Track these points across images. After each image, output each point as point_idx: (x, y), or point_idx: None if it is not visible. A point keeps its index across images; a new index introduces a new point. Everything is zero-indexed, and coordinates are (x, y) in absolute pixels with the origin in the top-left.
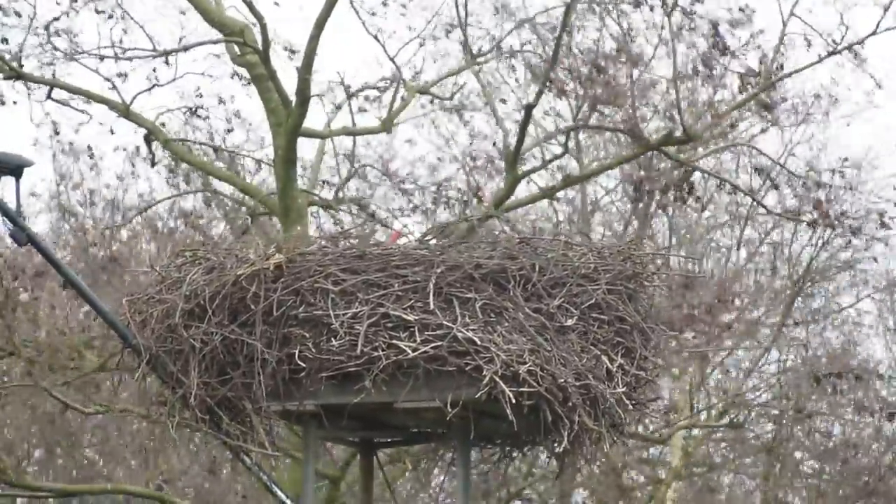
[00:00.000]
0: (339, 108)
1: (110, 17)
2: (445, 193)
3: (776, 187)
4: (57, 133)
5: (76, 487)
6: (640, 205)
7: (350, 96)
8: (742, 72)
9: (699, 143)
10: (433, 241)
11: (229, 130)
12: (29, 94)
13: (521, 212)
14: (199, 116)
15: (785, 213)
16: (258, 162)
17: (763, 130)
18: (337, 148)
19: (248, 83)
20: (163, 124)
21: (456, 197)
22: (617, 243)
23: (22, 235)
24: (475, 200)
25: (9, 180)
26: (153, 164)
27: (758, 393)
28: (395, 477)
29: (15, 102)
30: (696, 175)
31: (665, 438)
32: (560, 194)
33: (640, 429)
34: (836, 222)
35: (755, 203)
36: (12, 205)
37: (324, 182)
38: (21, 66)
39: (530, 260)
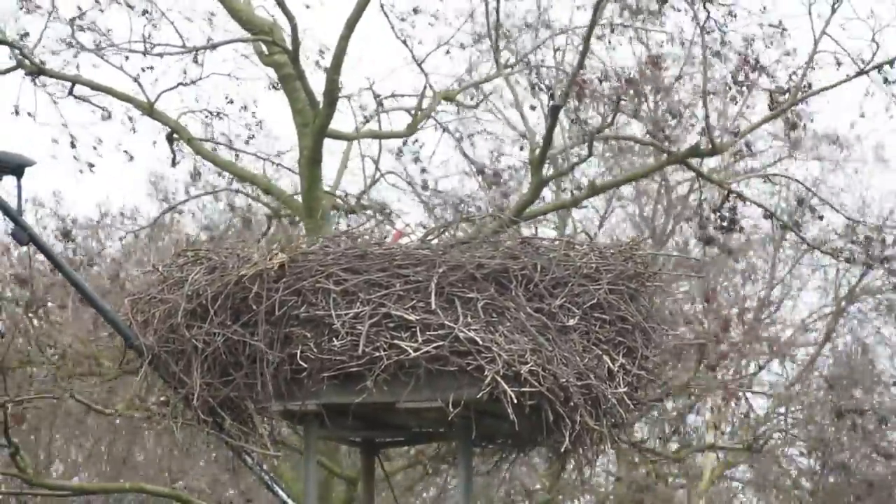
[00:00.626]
0: (368, 119)
1: (145, 12)
2: (466, 208)
3: (821, 218)
4: (74, 146)
5: (94, 486)
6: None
7: (380, 104)
8: (772, 89)
9: (725, 159)
10: (435, 241)
11: (251, 137)
12: (50, 97)
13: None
14: (219, 117)
15: (824, 248)
16: (278, 166)
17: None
18: (362, 151)
19: (275, 87)
20: (185, 125)
21: (476, 212)
22: (618, 243)
23: (24, 235)
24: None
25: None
26: (174, 163)
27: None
28: (412, 484)
29: (30, 114)
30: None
31: (681, 458)
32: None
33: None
34: (878, 264)
35: (796, 235)
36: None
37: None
38: (42, 62)
39: (532, 260)
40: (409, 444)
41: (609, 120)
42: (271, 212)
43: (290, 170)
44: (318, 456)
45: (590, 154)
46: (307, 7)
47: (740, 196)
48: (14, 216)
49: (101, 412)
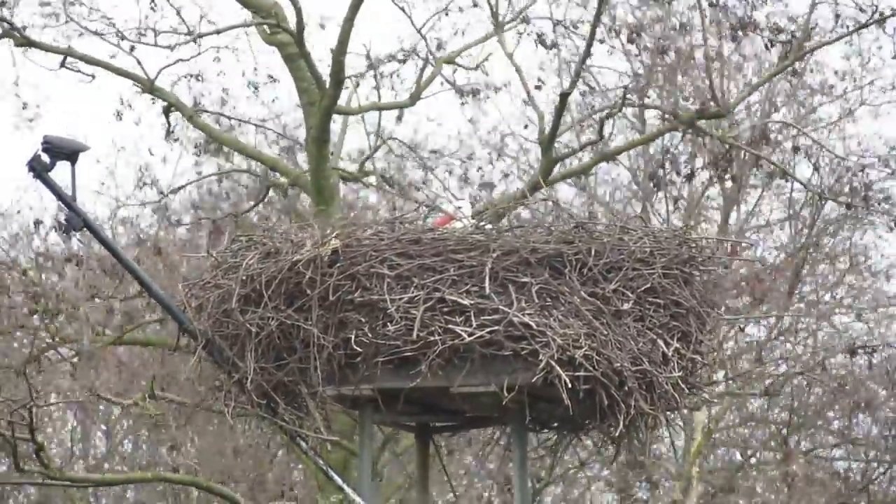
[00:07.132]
0: (358, 83)
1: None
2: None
3: (817, 169)
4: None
5: (114, 477)
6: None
7: (372, 68)
8: (770, 38)
9: (731, 118)
10: (488, 226)
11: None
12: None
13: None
14: (199, 80)
15: (823, 193)
16: (279, 135)
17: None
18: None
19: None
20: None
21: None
22: (672, 228)
23: (78, 221)
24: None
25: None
26: (168, 134)
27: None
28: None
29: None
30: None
31: (698, 406)
32: None
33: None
34: (876, 205)
35: (793, 181)
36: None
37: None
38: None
39: (586, 244)
40: (463, 429)
41: (618, 108)
42: (265, 181)
43: (285, 137)
44: (337, 437)
45: (600, 138)
46: None
47: (743, 149)
48: (68, 202)
49: (118, 403)
